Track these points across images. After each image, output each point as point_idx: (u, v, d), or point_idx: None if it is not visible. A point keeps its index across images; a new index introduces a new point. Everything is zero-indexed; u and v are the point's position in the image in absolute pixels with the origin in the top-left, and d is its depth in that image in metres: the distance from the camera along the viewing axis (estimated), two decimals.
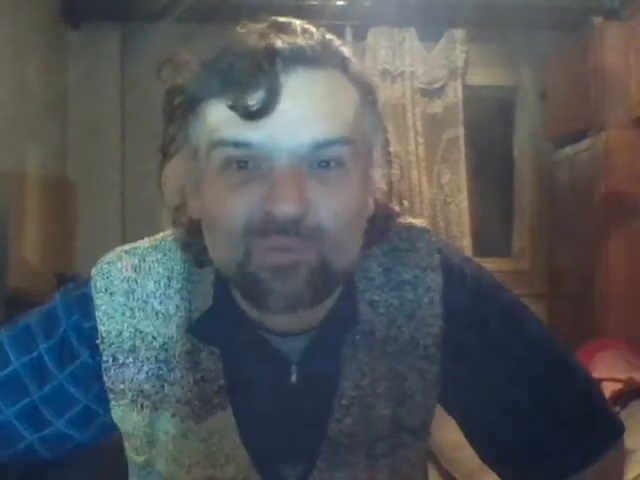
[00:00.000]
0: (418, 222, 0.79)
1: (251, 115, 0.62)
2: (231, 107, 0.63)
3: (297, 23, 0.67)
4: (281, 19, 0.68)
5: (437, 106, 4.01)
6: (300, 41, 0.64)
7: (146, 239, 0.79)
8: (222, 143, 0.64)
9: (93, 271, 0.77)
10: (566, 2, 3.75)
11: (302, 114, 0.63)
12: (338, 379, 0.74)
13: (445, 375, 0.77)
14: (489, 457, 0.83)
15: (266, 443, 0.73)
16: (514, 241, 4.21)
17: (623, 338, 3.09)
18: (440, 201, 4.03)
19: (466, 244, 3.93)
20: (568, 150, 3.67)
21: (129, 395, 0.74)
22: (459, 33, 3.94)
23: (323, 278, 0.65)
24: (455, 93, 3.97)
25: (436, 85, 4.00)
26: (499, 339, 0.77)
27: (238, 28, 0.68)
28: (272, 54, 0.63)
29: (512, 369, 0.77)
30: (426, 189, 3.96)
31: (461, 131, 3.95)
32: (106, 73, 3.79)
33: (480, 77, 4.07)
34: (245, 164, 0.64)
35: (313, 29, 0.67)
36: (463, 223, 3.97)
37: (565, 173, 3.73)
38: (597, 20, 3.45)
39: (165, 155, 0.71)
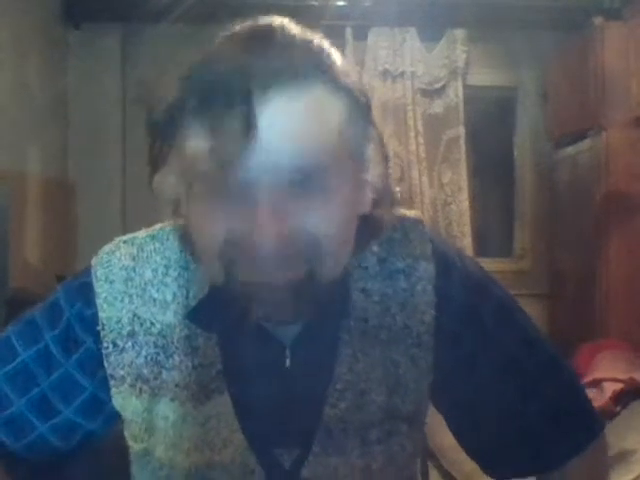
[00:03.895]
0: (411, 214, 0.81)
1: (230, 155, 0.61)
2: (210, 151, 0.61)
3: (279, 33, 0.65)
4: (264, 25, 0.66)
5: (438, 106, 4.02)
6: (281, 58, 0.62)
7: (144, 230, 0.81)
8: (202, 175, 0.64)
9: (93, 261, 0.79)
10: (567, 2, 3.76)
11: (282, 144, 0.62)
12: (332, 364, 0.75)
13: (438, 364, 0.78)
14: (473, 450, 0.84)
15: (262, 427, 0.75)
16: (515, 241, 4.21)
17: (624, 338, 3.09)
18: (441, 201, 4.03)
19: (467, 244, 3.94)
20: (569, 150, 3.67)
21: (128, 380, 0.76)
22: (460, 33, 3.95)
23: (309, 293, 0.66)
24: (456, 93, 3.98)
25: (437, 85, 4.01)
26: (489, 330, 0.79)
27: (220, 35, 0.67)
28: (249, 82, 0.61)
29: (499, 362, 0.79)
30: (427, 189, 3.97)
31: (462, 131, 3.96)
32: (106, 74, 3.79)
33: (481, 77, 4.07)
34: (228, 189, 0.63)
35: (297, 38, 0.65)
36: (464, 223, 3.97)
37: (566, 173, 3.73)
38: (597, 20, 3.45)
39: (153, 168, 0.71)
